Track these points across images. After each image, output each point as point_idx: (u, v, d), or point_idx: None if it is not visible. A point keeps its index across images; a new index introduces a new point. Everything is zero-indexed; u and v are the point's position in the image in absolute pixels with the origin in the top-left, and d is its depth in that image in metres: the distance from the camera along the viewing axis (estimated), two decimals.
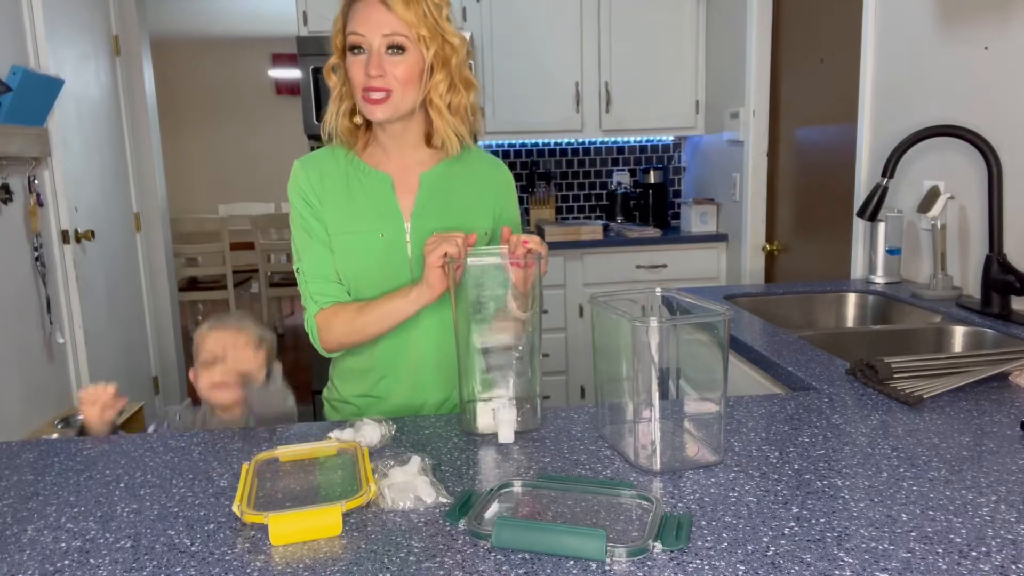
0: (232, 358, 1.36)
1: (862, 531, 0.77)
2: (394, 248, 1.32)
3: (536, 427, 1.10)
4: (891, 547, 0.74)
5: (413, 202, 1.34)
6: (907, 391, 1.15)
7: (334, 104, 1.32)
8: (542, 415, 1.13)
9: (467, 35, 3.33)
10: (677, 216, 4.04)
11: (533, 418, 1.11)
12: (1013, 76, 1.73)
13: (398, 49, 1.21)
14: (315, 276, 1.33)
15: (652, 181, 3.86)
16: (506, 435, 1.05)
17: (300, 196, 1.34)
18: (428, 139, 1.33)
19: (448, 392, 1.37)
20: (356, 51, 1.23)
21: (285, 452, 1.01)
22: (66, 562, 0.77)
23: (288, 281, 5.61)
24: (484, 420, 1.08)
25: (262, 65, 7.73)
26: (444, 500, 0.87)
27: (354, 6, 1.24)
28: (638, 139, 3.99)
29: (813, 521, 0.80)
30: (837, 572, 0.70)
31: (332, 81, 1.31)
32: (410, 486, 0.88)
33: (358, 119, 1.32)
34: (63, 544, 0.81)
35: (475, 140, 1.39)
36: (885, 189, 1.75)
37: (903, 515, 0.80)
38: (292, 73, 7.43)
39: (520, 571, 0.72)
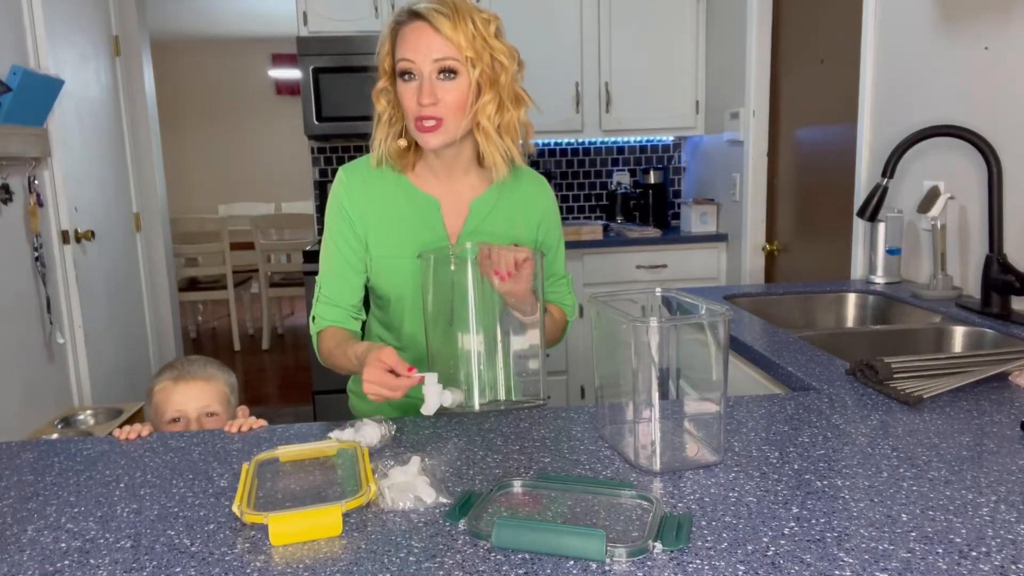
0: (201, 420, 1.35)
1: (862, 531, 0.77)
2: None
3: (539, 400, 1.19)
4: (891, 547, 0.74)
5: (461, 228, 1.34)
6: (907, 391, 1.15)
7: (383, 129, 1.29)
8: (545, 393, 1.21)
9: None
10: (677, 216, 4.03)
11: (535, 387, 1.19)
12: (1013, 76, 1.73)
13: (449, 73, 1.19)
14: (326, 298, 1.34)
15: (652, 181, 3.86)
16: (428, 407, 1.08)
17: (338, 207, 1.33)
18: (480, 160, 1.31)
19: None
20: (407, 77, 1.21)
21: (285, 452, 1.01)
22: (66, 562, 0.77)
23: (288, 281, 5.61)
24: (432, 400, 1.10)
25: (262, 65, 7.73)
26: (444, 500, 0.87)
27: (401, 30, 1.21)
28: (638, 139, 3.99)
29: (813, 521, 0.80)
30: (837, 572, 0.70)
31: (380, 105, 1.28)
32: (410, 486, 0.88)
33: (403, 142, 1.30)
34: (63, 544, 0.81)
35: (527, 156, 1.36)
36: (885, 189, 1.75)
37: (903, 515, 0.80)
38: (292, 73, 7.43)
39: (520, 571, 0.72)
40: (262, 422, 1.19)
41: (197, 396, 1.37)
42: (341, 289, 1.34)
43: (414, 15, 1.19)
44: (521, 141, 1.33)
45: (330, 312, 1.34)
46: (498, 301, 1.19)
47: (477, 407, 1.16)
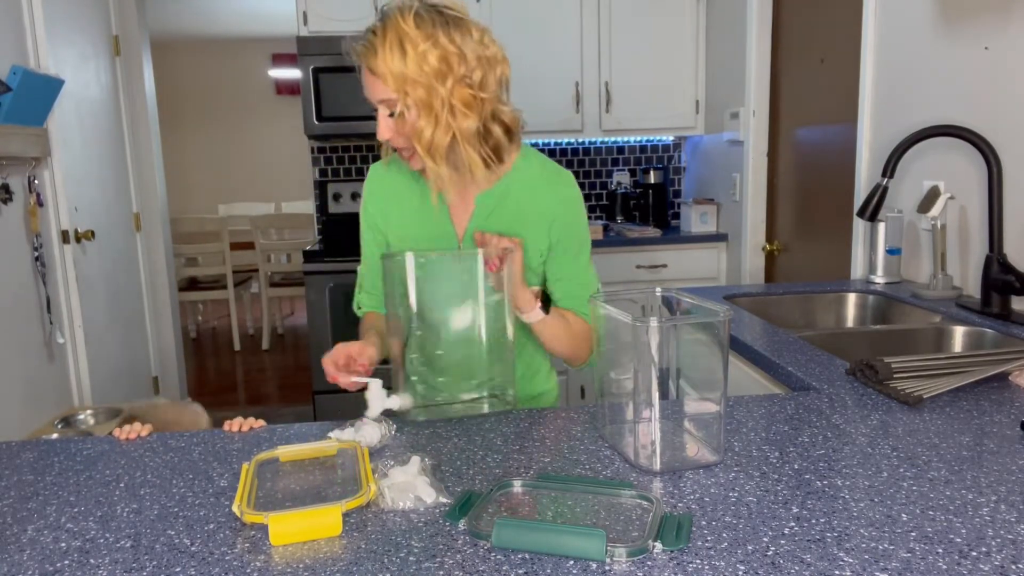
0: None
1: (862, 531, 0.77)
2: None
3: (510, 407, 1.19)
4: (891, 547, 0.74)
5: (467, 224, 1.34)
6: (907, 391, 1.15)
7: None
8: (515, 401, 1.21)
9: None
10: (677, 216, 4.04)
11: (507, 398, 1.19)
12: (1013, 76, 1.73)
13: (394, 111, 1.20)
14: (362, 286, 1.46)
15: (652, 181, 3.86)
16: (371, 411, 1.13)
17: (363, 204, 1.42)
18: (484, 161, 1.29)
19: (489, 374, 1.37)
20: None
21: (285, 452, 1.01)
22: (66, 562, 0.77)
23: (288, 281, 5.61)
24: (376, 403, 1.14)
25: (262, 65, 7.73)
26: (444, 500, 0.87)
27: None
28: (638, 139, 3.99)
29: (813, 521, 0.80)
30: (837, 572, 0.70)
31: None
32: (410, 486, 0.88)
33: None
34: (63, 544, 0.81)
35: (516, 145, 1.34)
36: (885, 189, 1.75)
37: (903, 515, 0.80)
38: (292, 73, 7.43)
39: (520, 571, 0.72)
40: (261, 422, 1.19)
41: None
42: (374, 280, 1.44)
43: (355, 53, 1.20)
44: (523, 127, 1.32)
45: (367, 299, 1.46)
46: (490, 300, 1.18)
47: (422, 418, 1.15)
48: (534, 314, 1.26)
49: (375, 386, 1.14)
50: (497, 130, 1.24)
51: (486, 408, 1.18)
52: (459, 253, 1.29)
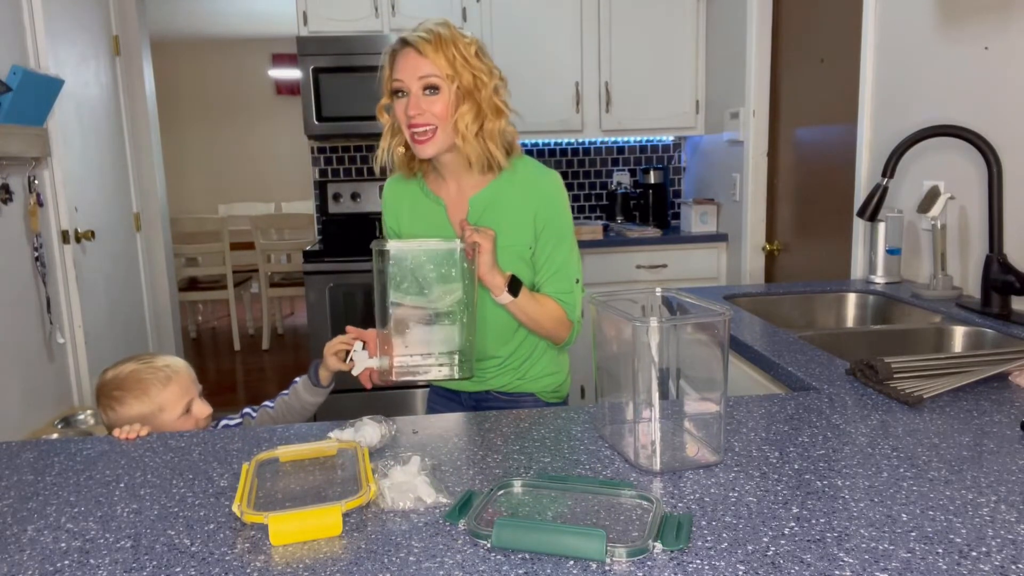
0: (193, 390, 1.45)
1: (862, 531, 0.77)
2: None
3: (467, 376, 1.31)
4: (891, 547, 0.74)
5: None
6: (907, 391, 1.15)
7: (385, 139, 1.45)
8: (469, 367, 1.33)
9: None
10: (677, 216, 4.03)
11: (465, 368, 1.31)
12: (1013, 76, 1.73)
13: (433, 89, 1.34)
14: None
15: (652, 181, 3.86)
16: (355, 370, 1.35)
17: (384, 214, 1.56)
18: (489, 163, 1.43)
19: (500, 349, 1.50)
20: (399, 95, 1.36)
21: (285, 452, 1.01)
22: (66, 562, 0.77)
23: (288, 281, 5.61)
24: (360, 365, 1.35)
25: (262, 65, 7.73)
26: (444, 500, 0.87)
27: (396, 56, 1.37)
28: (638, 139, 3.98)
29: (813, 521, 0.80)
30: (837, 572, 0.70)
31: (384, 119, 1.44)
32: (410, 486, 0.88)
33: (401, 149, 1.45)
34: (63, 544, 0.81)
35: (509, 155, 1.45)
36: (885, 189, 1.75)
37: (903, 515, 0.80)
38: (292, 73, 7.43)
39: (520, 571, 0.72)
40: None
41: (191, 383, 1.43)
42: None
43: (404, 43, 1.36)
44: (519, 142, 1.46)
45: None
46: (456, 281, 1.31)
47: (395, 377, 1.31)
48: (503, 297, 1.36)
49: (358, 347, 1.35)
50: (499, 144, 1.39)
51: (445, 372, 1.33)
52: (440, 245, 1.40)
